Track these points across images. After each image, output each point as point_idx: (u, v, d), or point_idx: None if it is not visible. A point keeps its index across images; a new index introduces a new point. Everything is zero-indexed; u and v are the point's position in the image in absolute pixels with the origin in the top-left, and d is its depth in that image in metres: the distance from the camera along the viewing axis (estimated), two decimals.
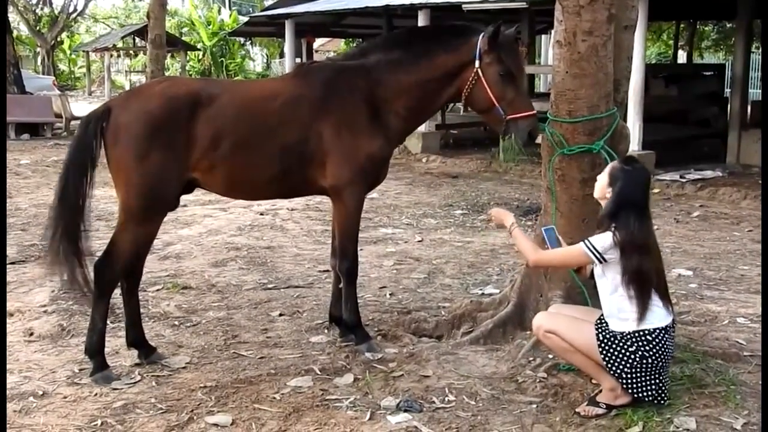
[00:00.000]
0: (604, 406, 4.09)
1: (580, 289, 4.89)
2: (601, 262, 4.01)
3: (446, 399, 4.28)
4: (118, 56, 41.33)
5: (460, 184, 12.81)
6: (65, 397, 4.36)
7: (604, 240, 4.00)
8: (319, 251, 7.88)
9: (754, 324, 5.52)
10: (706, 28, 26.74)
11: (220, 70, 36.67)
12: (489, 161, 14.65)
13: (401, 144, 5.47)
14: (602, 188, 4.17)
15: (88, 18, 46.61)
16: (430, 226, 9.30)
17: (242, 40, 38.36)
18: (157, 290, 6.42)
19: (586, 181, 4.84)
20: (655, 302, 4.00)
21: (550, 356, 4.66)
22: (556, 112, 4.88)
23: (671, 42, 23.82)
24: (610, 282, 4.05)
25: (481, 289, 6.45)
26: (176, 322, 5.64)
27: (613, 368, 4.01)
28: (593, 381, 4.32)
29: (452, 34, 4.94)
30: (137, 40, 37.74)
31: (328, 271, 6.95)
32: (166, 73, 14.71)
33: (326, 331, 5.39)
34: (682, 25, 23.43)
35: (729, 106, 14.63)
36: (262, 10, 26.38)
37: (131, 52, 39.56)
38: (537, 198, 10.41)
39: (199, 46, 37.28)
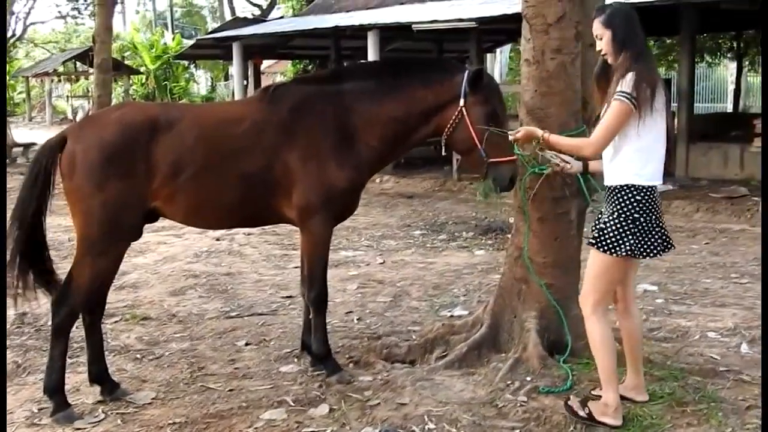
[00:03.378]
0: (587, 415, 4.07)
1: (555, 308, 4.84)
2: (636, 106, 3.80)
3: (426, 427, 4.15)
4: (59, 81, 40.62)
5: (416, 204, 12.78)
6: None
7: (627, 80, 3.83)
8: (281, 276, 7.72)
9: (725, 338, 5.53)
10: (649, 44, 27.29)
11: (165, 93, 36.21)
12: (443, 180, 14.65)
13: (374, 175, 5.32)
14: (606, 41, 3.97)
15: (27, 42, 45.74)
16: (390, 248, 9.21)
17: (187, 63, 37.99)
18: (115, 322, 6.19)
19: (558, 200, 4.81)
20: (652, 161, 3.92)
21: (529, 379, 4.58)
22: None
23: None
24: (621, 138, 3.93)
25: (449, 311, 6.36)
26: (138, 355, 5.43)
27: (611, 244, 3.94)
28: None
29: (435, 69, 4.83)
30: (78, 64, 37.19)
31: (291, 297, 6.83)
32: (111, 97, 14.45)
33: (296, 359, 5.23)
34: None
35: (676, 119, 14.86)
36: (209, 33, 26.15)
37: (72, 76, 38.90)
38: (494, 216, 10.43)
39: (142, 69, 36.82)
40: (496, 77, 29.49)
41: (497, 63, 30.37)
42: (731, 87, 25.91)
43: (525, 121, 4.86)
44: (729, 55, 25.59)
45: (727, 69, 29.36)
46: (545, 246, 4.89)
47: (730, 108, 24.54)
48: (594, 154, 4.15)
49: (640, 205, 3.91)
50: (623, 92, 3.84)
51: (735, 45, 22.52)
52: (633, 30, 3.93)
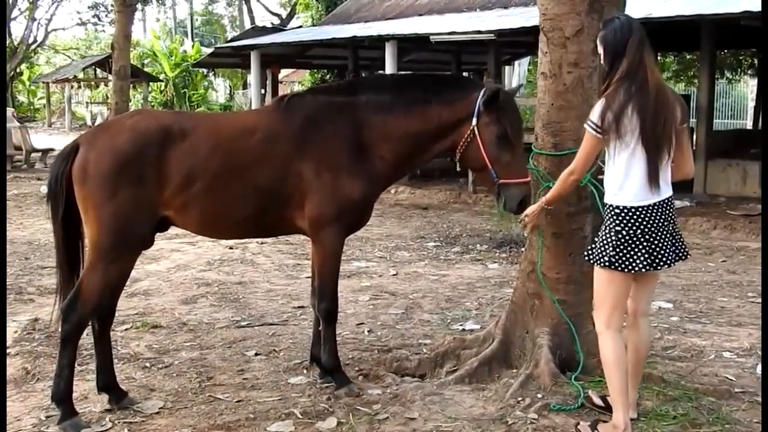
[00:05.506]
0: None
1: (567, 325, 4.78)
2: (599, 133, 3.86)
3: None
4: (79, 87, 40.89)
5: (431, 216, 12.74)
6: None
7: (595, 108, 3.88)
8: (292, 286, 7.69)
9: (741, 358, 5.44)
10: (667, 60, 27.15)
11: (183, 101, 36.41)
12: (458, 192, 14.59)
13: (388, 187, 5.27)
14: (602, 57, 4.00)
15: (48, 49, 46.07)
16: (403, 259, 9.17)
17: (205, 71, 38.19)
18: (126, 329, 6.18)
19: (573, 215, 4.75)
20: (629, 182, 3.88)
21: (540, 396, 4.52)
22: (541, 145, 4.80)
23: None
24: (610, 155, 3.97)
25: (461, 325, 6.30)
26: (147, 364, 5.40)
27: (595, 255, 3.99)
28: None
29: (452, 86, 4.77)
30: (98, 71, 37.45)
31: (303, 307, 6.79)
32: (129, 104, 14.49)
33: (305, 371, 5.19)
34: None
35: (695, 136, 14.75)
36: (228, 41, 26.27)
37: (92, 83, 39.17)
38: (509, 229, 10.35)
39: (161, 77, 37.03)
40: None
41: (515, 75, 30.23)
42: (751, 104, 25.74)
43: (540, 134, 4.82)
44: (749, 72, 25.43)
45: (748, 85, 29.20)
46: (559, 261, 4.83)
47: (749, 125, 24.37)
48: (579, 179, 4.22)
49: (620, 218, 3.91)
50: (589, 121, 3.91)
51: (755, 61, 22.35)
52: (622, 50, 3.84)
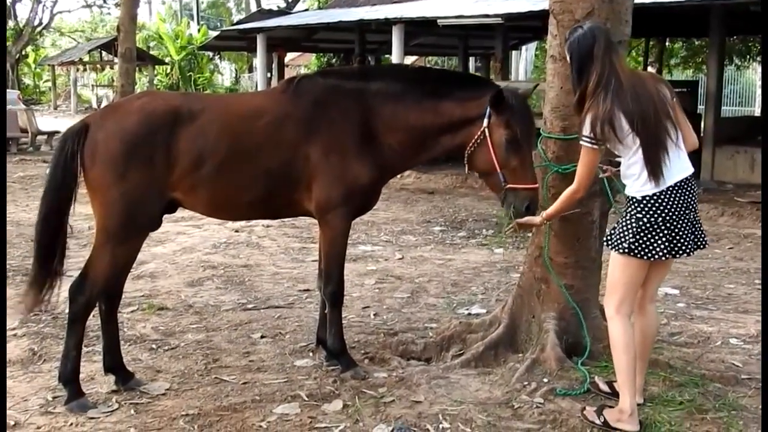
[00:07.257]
0: (602, 422, 4.02)
1: (574, 310, 4.77)
2: (596, 144, 3.91)
3: (440, 426, 4.10)
4: (84, 70, 40.83)
5: (437, 200, 12.73)
6: (39, 428, 4.13)
7: (585, 122, 3.91)
8: (298, 269, 7.69)
9: (748, 345, 5.43)
10: (675, 45, 26.99)
11: (189, 84, 36.30)
12: (464, 176, 14.55)
13: (397, 175, 5.25)
14: (570, 67, 4.07)
15: (54, 31, 46.01)
16: (409, 243, 9.16)
17: (211, 54, 38.08)
18: (132, 311, 6.18)
19: (581, 200, 4.72)
20: (643, 173, 3.90)
21: (546, 380, 4.52)
22: (550, 129, 4.78)
23: (641, 59, 23.94)
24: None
25: (467, 309, 6.30)
26: (153, 346, 5.41)
27: (615, 241, 4.00)
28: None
29: (467, 84, 4.71)
30: (104, 54, 37.37)
31: (308, 290, 6.80)
32: (135, 87, 14.40)
33: (311, 354, 5.19)
34: (651, 42, 23.62)
35: (702, 122, 14.69)
36: (234, 24, 26.19)
37: (98, 66, 39.10)
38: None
39: (167, 60, 36.93)
40: (521, 75, 29.34)
41: (522, 60, 30.17)
42: (760, 91, 25.58)
43: (549, 118, 4.79)
44: (758, 59, 25.26)
45: (756, 72, 29.02)
46: (566, 246, 4.82)
47: (758, 112, 24.26)
48: (585, 193, 4.24)
49: (641, 206, 3.91)
50: (584, 137, 3.93)
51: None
52: (587, 58, 3.90)
